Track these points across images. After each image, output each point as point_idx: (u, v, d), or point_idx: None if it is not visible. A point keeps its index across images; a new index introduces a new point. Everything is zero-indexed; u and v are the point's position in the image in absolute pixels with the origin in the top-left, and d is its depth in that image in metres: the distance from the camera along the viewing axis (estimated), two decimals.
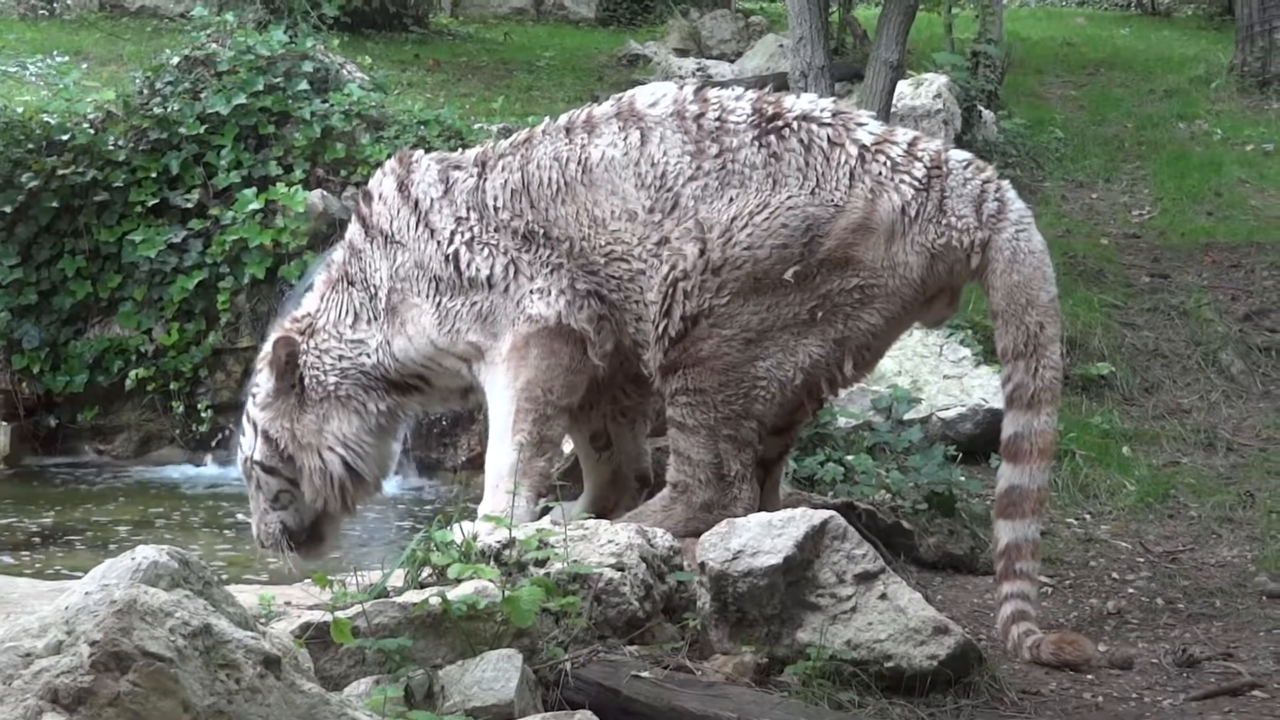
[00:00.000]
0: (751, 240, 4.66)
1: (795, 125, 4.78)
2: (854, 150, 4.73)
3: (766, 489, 5.02)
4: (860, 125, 4.82)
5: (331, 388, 5.13)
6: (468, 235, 4.98)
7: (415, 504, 7.57)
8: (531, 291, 4.89)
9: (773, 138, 4.76)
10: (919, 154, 4.74)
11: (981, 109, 12.16)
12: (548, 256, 4.89)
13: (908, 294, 4.71)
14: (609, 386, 5.07)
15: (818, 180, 4.70)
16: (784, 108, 4.84)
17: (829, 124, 4.79)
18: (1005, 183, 4.82)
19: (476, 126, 9.05)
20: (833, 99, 5.08)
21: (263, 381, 5.20)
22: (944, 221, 4.67)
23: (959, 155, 4.83)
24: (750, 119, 4.81)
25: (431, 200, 5.06)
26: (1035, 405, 4.64)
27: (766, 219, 4.67)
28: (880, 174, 4.70)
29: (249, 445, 5.22)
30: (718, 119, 4.82)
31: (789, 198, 4.69)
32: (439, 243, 5.00)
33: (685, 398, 4.74)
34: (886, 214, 4.66)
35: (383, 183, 5.19)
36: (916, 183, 4.69)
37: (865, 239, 4.66)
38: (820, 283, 4.67)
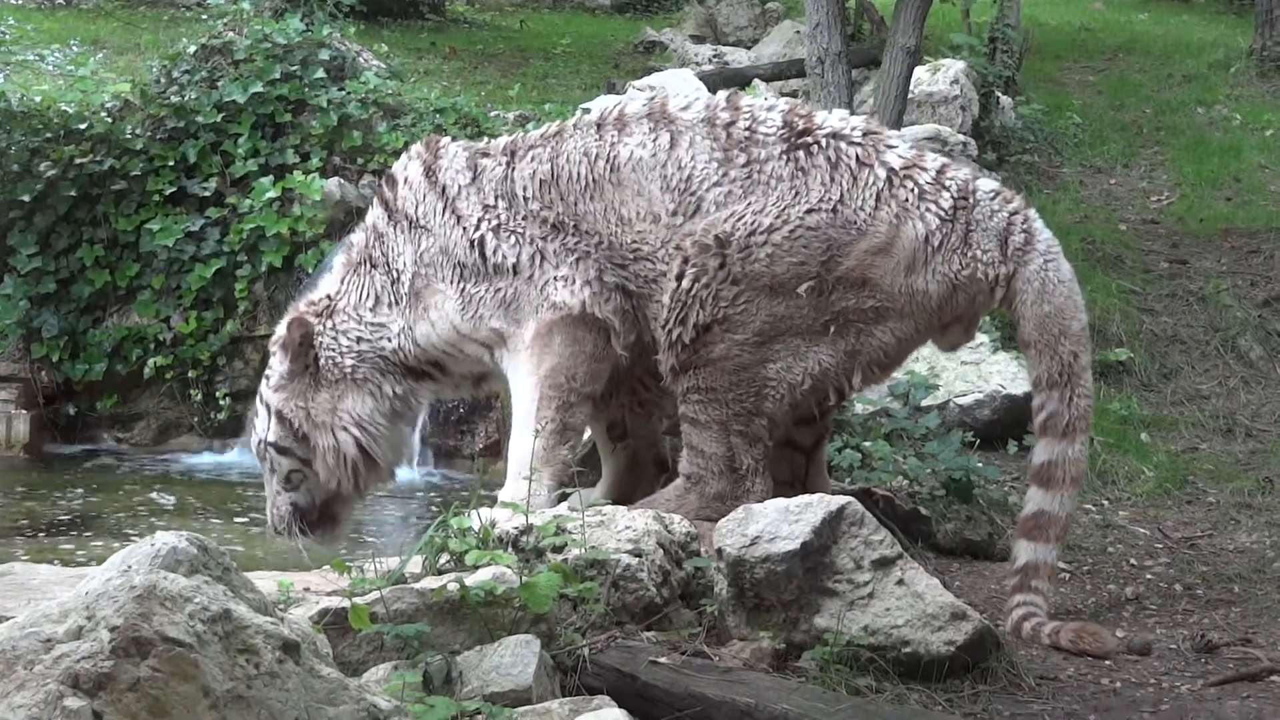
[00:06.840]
0: (772, 257, 4.67)
1: (824, 142, 4.77)
2: (882, 173, 4.73)
3: (811, 472, 5.07)
4: (890, 148, 4.81)
5: (348, 370, 5.12)
6: (494, 222, 4.97)
7: (432, 490, 7.60)
8: (556, 278, 4.89)
9: (801, 153, 4.76)
10: (947, 183, 4.74)
11: (999, 94, 12.09)
12: (575, 244, 4.89)
13: (923, 319, 4.74)
14: (629, 377, 5.07)
15: (841, 198, 4.70)
16: (815, 123, 4.83)
17: (859, 143, 4.78)
18: (1032, 212, 4.82)
19: (493, 114, 9.04)
20: (865, 117, 5.05)
21: (276, 363, 5.20)
22: (968, 254, 4.69)
23: (987, 185, 4.84)
24: (780, 131, 4.80)
25: (459, 187, 5.04)
26: (1070, 434, 4.68)
27: (786, 236, 4.68)
28: (907, 200, 4.70)
29: (263, 427, 5.22)
30: (748, 129, 4.82)
31: (809, 213, 4.69)
32: (465, 229, 5.00)
33: (697, 395, 4.76)
34: (909, 241, 4.67)
35: (409, 167, 5.17)
36: (942, 213, 4.69)
37: (884, 263, 4.67)
38: (836, 299, 4.68)
